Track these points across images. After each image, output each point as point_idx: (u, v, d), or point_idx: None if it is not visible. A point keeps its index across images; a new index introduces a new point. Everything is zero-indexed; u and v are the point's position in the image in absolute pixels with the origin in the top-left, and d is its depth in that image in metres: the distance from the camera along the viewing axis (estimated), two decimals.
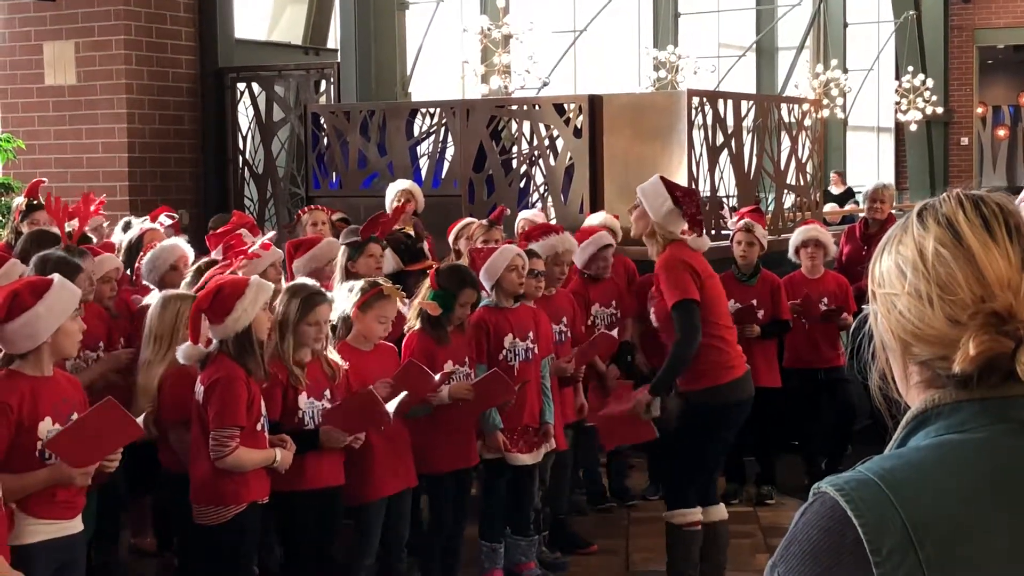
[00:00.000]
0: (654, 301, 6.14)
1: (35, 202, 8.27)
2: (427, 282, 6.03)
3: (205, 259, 6.19)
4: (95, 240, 7.39)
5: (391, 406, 5.40)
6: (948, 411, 1.57)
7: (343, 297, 5.72)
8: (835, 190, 20.40)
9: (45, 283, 4.50)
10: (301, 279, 5.74)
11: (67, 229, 6.68)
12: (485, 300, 6.34)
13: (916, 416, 1.60)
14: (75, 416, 4.45)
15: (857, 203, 19.41)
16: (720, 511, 6.33)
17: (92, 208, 7.28)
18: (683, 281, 5.91)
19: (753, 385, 6.27)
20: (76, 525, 4.55)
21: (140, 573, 6.70)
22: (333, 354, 5.53)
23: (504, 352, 6.28)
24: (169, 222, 8.16)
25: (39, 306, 4.37)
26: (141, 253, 6.91)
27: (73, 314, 4.49)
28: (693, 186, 9.44)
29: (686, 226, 6.00)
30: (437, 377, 5.73)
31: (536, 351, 6.37)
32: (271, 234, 7.31)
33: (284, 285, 5.81)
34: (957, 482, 1.51)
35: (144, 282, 6.57)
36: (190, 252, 6.62)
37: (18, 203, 8.62)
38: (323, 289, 5.61)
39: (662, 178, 6.12)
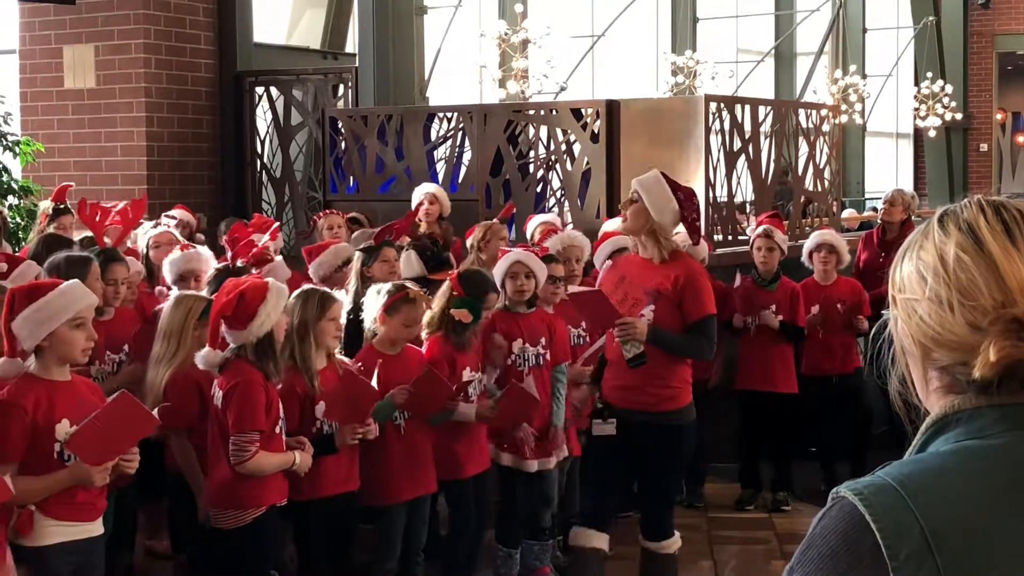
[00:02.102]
0: (654, 299, 5.78)
1: (61, 206, 8.31)
2: (443, 289, 6.01)
3: (221, 264, 6.20)
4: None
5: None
6: (968, 417, 1.57)
7: (372, 300, 5.74)
8: None
9: (47, 286, 4.50)
10: (307, 286, 5.74)
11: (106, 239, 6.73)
12: (498, 304, 6.34)
13: (936, 422, 1.60)
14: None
15: (875, 209, 19.37)
16: (604, 539, 6.05)
17: (114, 216, 7.34)
18: (711, 295, 5.85)
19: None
20: (96, 528, 4.56)
21: None
22: (340, 356, 5.57)
23: (513, 357, 6.26)
24: (173, 221, 8.16)
25: (30, 308, 4.39)
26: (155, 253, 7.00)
27: (72, 321, 4.43)
28: (710, 192, 9.45)
29: (679, 230, 5.84)
30: (455, 387, 5.74)
31: (548, 357, 6.35)
32: (275, 225, 7.33)
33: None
34: (976, 488, 1.50)
35: (166, 279, 6.61)
36: (212, 262, 6.60)
37: (44, 207, 8.65)
38: (329, 291, 5.64)
39: (663, 173, 5.90)
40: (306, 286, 5.69)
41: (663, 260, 5.78)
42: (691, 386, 5.93)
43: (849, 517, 1.49)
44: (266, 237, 6.51)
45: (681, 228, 5.91)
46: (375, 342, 5.74)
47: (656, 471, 5.92)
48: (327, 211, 8.84)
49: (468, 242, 7.93)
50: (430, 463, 5.84)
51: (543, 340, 6.33)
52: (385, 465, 5.61)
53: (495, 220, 7.88)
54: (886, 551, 1.45)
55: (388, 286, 5.80)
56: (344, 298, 6.11)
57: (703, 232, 8.64)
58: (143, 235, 7.59)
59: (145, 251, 7.20)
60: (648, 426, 5.80)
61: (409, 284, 5.87)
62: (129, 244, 7.35)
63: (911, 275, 1.61)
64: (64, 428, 4.38)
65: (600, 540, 5.95)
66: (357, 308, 6.17)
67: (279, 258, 6.80)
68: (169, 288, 6.59)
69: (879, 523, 1.47)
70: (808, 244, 8.45)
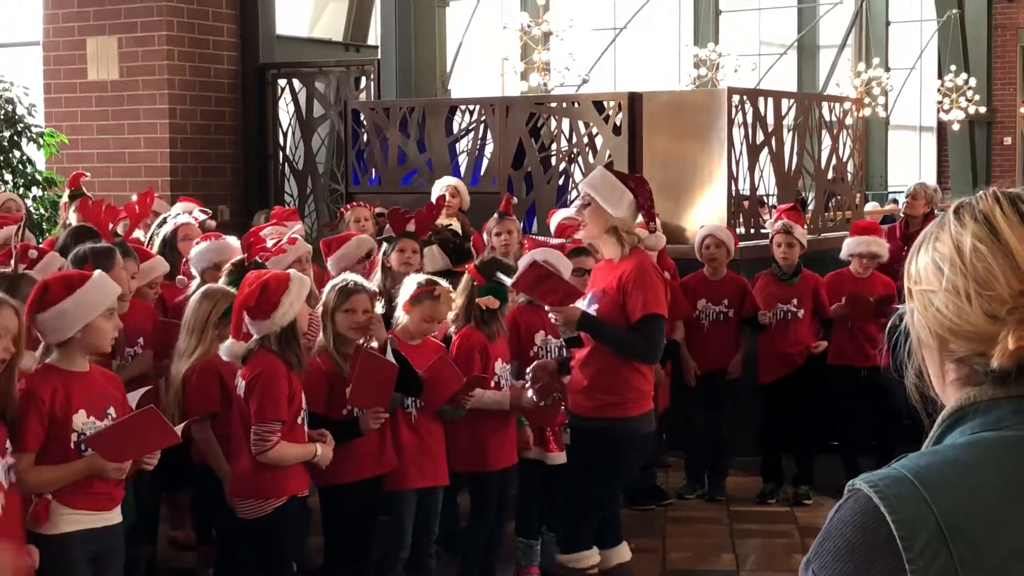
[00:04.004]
0: (600, 298, 5.63)
1: (77, 190, 8.34)
2: (463, 283, 6.01)
3: (238, 258, 6.22)
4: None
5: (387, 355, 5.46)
6: (984, 408, 1.57)
7: (407, 288, 5.79)
8: None
9: (79, 278, 4.53)
10: (346, 274, 5.80)
11: (117, 229, 6.73)
12: (521, 298, 6.34)
13: (952, 414, 1.60)
14: (112, 411, 4.49)
15: (896, 202, 19.33)
16: (624, 552, 5.92)
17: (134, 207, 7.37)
18: (659, 295, 5.56)
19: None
20: (114, 516, 4.58)
21: (179, 566, 6.74)
22: (375, 345, 5.59)
23: (535, 349, 6.26)
24: (203, 217, 8.18)
25: (67, 301, 4.40)
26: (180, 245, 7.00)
27: (106, 312, 4.48)
28: (733, 185, 9.42)
29: (640, 219, 5.62)
30: (466, 380, 5.75)
31: (573, 350, 6.33)
32: (298, 227, 7.33)
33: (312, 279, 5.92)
34: (992, 480, 1.50)
35: (191, 270, 6.61)
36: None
37: (64, 199, 8.70)
38: (365, 282, 5.66)
39: (607, 167, 5.69)
40: (343, 275, 5.76)
41: (623, 257, 5.58)
42: (648, 399, 5.67)
43: (864, 509, 1.50)
44: (284, 240, 6.51)
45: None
46: (398, 331, 5.78)
47: (578, 476, 5.75)
48: (355, 204, 8.83)
49: (484, 234, 7.93)
50: (442, 456, 5.85)
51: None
52: (396, 454, 5.64)
53: (493, 217, 7.83)
54: (901, 543, 1.45)
55: (420, 278, 5.84)
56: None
57: (725, 225, 8.64)
58: (156, 225, 7.61)
59: (171, 243, 7.19)
60: (584, 430, 5.67)
61: (440, 281, 5.88)
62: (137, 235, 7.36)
63: (927, 267, 1.61)
64: (81, 419, 4.40)
65: (622, 553, 5.86)
66: (387, 298, 6.19)
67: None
68: (191, 277, 6.59)
69: (894, 515, 1.47)
70: (853, 247, 8.27)
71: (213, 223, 8.52)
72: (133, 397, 4.69)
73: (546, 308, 5.65)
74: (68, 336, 4.41)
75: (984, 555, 1.45)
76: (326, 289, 5.58)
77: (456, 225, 8.73)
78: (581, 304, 5.62)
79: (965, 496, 1.48)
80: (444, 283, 5.87)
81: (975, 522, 1.46)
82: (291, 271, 5.23)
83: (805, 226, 8.50)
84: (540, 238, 7.00)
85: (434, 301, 5.72)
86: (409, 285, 5.79)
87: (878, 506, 1.48)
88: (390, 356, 5.45)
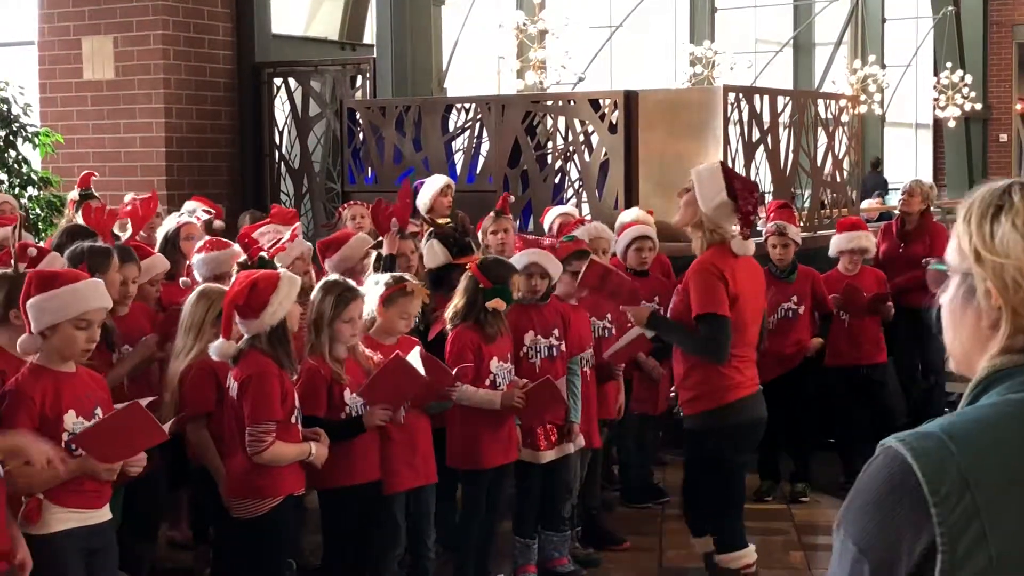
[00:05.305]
0: (674, 297, 5.86)
1: (86, 192, 8.33)
2: (464, 283, 6.00)
3: (243, 258, 6.22)
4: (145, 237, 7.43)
5: (415, 362, 5.42)
6: (1011, 373, 1.67)
7: (370, 290, 5.75)
8: None
9: (64, 278, 4.50)
10: (333, 276, 5.76)
11: (119, 232, 6.70)
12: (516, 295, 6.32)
13: (983, 380, 1.70)
14: (99, 411, 4.49)
15: (881, 196, 19.38)
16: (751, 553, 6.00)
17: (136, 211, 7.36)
18: (713, 294, 5.58)
19: (765, 407, 5.89)
20: (104, 514, 4.58)
21: (176, 565, 6.74)
22: (363, 348, 5.59)
23: (524, 349, 6.24)
24: (206, 216, 8.17)
25: (43, 295, 4.39)
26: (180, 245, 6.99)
27: (77, 320, 4.41)
28: None
29: (736, 223, 5.64)
30: (455, 371, 5.75)
31: (563, 348, 6.34)
32: (296, 224, 7.32)
33: (314, 280, 5.88)
34: (1014, 436, 1.60)
35: (195, 275, 6.59)
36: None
37: (71, 197, 8.67)
38: (355, 285, 5.64)
39: (722, 164, 5.78)
40: (332, 278, 5.71)
41: (700, 252, 5.68)
42: (733, 389, 5.70)
43: (892, 461, 1.59)
44: (286, 236, 6.50)
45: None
46: (372, 332, 5.74)
47: (695, 476, 6.04)
48: (352, 202, 8.83)
49: (479, 233, 7.92)
50: (430, 452, 5.84)
51: (556, 331, 6.31)
52: (384, 454, 5.63)
53: (489, 215, 7.83)
54: (927, 487, 1.54)
55: (387, 277, 5.81)
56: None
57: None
58: (164, 226, 7.59)
59: (173, 242, 7.17)
60: (686, 430, 5.92)
61: (408, 277, 5.86)
62: (138, 239, 7.34)
63: (1017, 242, 1.67)
64: (71, 419, 4.40)
65: (749, 555, 5.94)
66: None
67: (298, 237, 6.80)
68: (196, 282, 6.57)
69: (920, 461, 1.56)
70: (841, 243, 8.32)
71: (222, 224, 8.51)
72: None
73: (620, 308, 5.87)
74: (40, 330, 4.40)
75: (1006, 502, 1.54)
76: (315, 291, 5.50)
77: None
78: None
79: (987, 448, 1.58)
80: (410, 277, 5.86)
81: (996, 471, 1.56)
82: (282, 270, 5.22)
83: (799, 224, 8.52)
84: (532, 237, 6.99)
85: (408, 296, 5.69)
86: (376, 287, 5.73)
87: (905, 457, 1.57)
88: (416, 359, 5.43)
